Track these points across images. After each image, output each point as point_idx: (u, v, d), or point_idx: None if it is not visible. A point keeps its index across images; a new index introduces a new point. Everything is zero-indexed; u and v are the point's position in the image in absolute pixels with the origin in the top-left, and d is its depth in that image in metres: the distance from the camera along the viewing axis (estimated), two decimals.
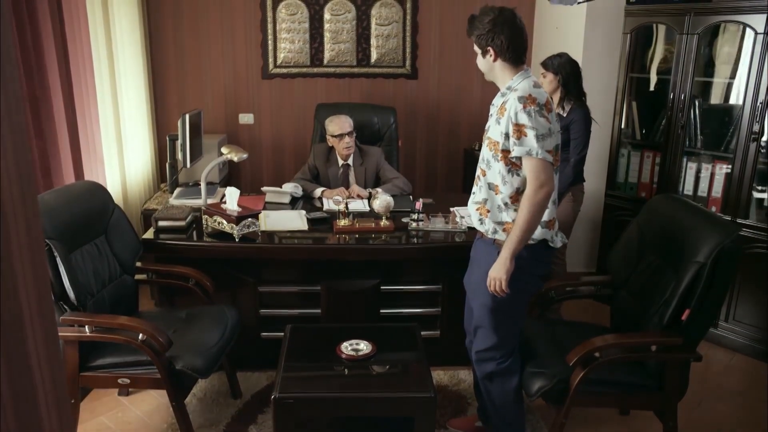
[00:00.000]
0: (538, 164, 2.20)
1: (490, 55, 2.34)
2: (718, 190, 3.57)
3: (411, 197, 3.73)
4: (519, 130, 2.21)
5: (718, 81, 3.67)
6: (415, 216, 3.21)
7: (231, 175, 4.90)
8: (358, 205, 3.45)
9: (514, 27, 2.29)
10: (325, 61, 4.85)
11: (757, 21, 3.26)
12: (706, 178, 3.62)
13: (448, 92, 5.03)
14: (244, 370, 3.20)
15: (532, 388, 2.40)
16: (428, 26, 4.88)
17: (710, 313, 2.31)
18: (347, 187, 3.83)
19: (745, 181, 3.40)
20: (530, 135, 2.19)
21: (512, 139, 2.23)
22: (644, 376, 2.45)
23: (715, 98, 3.77)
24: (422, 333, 3.16)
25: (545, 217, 2.28)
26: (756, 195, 3.44)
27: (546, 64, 3.53)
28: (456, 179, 5.18)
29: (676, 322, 2.30)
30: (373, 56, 4.89)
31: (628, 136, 4.01)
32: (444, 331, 3.28)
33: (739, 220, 3.42)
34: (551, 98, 3.41)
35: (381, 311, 3.21)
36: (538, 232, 2.30)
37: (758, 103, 3.30)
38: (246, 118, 4.94)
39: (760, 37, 3.26)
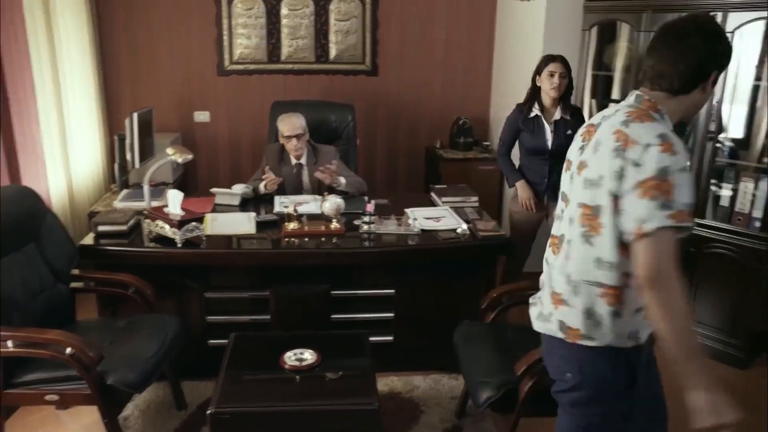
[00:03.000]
0: None
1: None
2: None
3: (366, 198, 3.63)
4: None
5: None
6: (366, 218, 3.11)
7: (186, 175, 4.75)
8: (308, 208, 3.34)
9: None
10: (283, 58, 4.73)
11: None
12: None
13: (410, 89, 4.94)
14: (190, 379, 3.08)
15: (479, 398, 2.32)
16: (389, 22, 4.78)
17: None
18: (301, 188, 3.72)
19: (702, 181, 3.36)
20: None
21: None
22: None
23: None
24: (375, 338, 3.10)
25: None
26: (713, 190, 3.40)
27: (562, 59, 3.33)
28: (417, 178, 5.09)
29: None
30: (333, 52, 4.78)
31: None
32: (398, 336, 3.20)
33: (697, 220, 3.38)
34: (563, 101, 3.33)
35: (332, 317, 3.11)
36: None
37: (714, 102, 3.25)
38: (201, 116, 4.80)
39: None
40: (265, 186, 3.55)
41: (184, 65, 4.67)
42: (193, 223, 2.93)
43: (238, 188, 3.56)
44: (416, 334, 3.18)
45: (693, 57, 1.57)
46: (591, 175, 1.61)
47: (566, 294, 1.68)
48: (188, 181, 4.76)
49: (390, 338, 3.20)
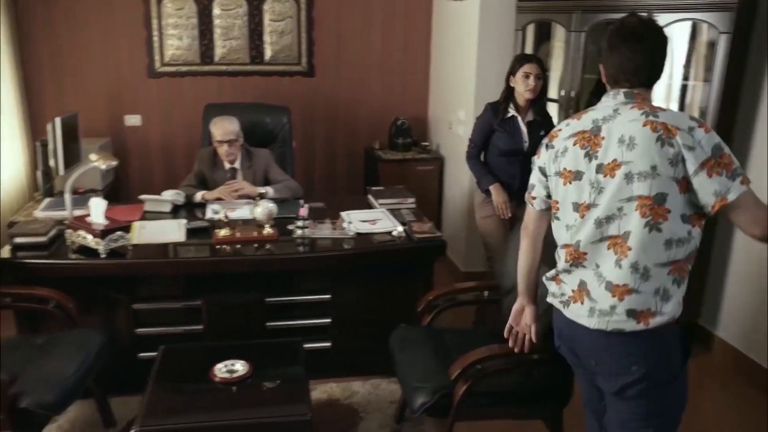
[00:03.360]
0: None
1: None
2: None
3: (301, 202, 3.56)
4: None
5: None
6: (300, 223, 3.05)
7: (118, 181, 4.59)
8: (240, 213, 3.25)
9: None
10: (217, 59, 4.62)
11: None
12: None
13: (347, 90, 4.89)
14: (120, 395, 2.94)
15: (414, 403, 2.29)
16: (324, 22, 4.72)
17: None
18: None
19: None
20: None
21: None
22: (530, 385, 2.38)
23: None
24: (312, 345, 3.07)
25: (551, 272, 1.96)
26: None
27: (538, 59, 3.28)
28: (357, 180, 5.05)
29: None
30: (268, 53, 4.69)
31: None
32: (335, 342, 3.14)
33: None
34: (537, 103, 3.29)
35: (268, 325, 3.04)
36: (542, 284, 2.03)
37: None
38: (133, 120, 4.64)
39: None
40: (203, 197, 3.47)
41: (113, 67, 4.50)
42: (118, 233, 2.81)
43: (169, 194, 3.44)
44: (354, 338, 3.13)
45: (661, 52, 1.75)
46: (638, 168, 1.65)
47: (634, 282, 1.71)
48: (120, 187, 4.60)
49: (328, 344, 3.14)
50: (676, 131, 1.62)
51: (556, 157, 1.84)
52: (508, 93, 3.29)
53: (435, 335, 2.67)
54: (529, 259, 2.09)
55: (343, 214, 3.30)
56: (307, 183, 4.99)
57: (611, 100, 1.76)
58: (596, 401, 2.00)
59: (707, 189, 1.62)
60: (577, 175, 1.77)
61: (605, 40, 1.78)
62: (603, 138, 1.71)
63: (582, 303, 1.80)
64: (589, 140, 1.74)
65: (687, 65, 3.31)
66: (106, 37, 4.43)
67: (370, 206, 3.55)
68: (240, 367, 2.43)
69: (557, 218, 1.90)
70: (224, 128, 3.50)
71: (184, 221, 3.20)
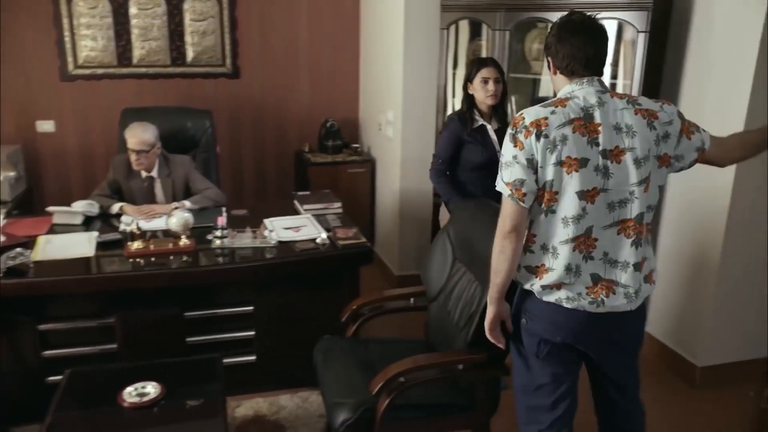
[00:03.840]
0: (502, 196, 1.89)
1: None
2: None
3: (224, 209, 3.41)
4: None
5: (532, 78, 3.66)
6: (218, 232, 2.91)
7: (31, 192, 4.33)
8: (155, 224, 3.09)
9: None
10: (135, 61, 4.41)
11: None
12: None
13: (274, 92, 4.76)
14: (27, 423, 2.75)
15: (336, 421, 2.19)
16: (248, 22, 4.57)
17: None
18: (154, 202, 3.45)
19: None
20: (500, 162, 1.90)
21: None
22: (456, 395, 2.31)
23: (530, 95, 3.77)
24: (236, 359, 2.95)
25: (530, 261, 1.91)
26: None
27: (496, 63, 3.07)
28: (288, 183, 4.92)
29: (482, 338, 2.17)
30: (190, 54, 4.51)
31: None
32: (261, 355, 3.02)
33: None
34: (499, 109, 3.06)
35: (188, 340, 2.89)
36: (524, 276, 1.94)
37: None
38: (45, 126, 4.39)
39: None
40: (121, 209, 3.29)
41: (21, 69, 4.23)
42: (17, 249, 2.62)
43: (80, 206, 3.24)
44: (280, 350, 3.01)
45: (605, 45, 1.88)
46: (641, 154, 1.80)
47: (646, 252, 1.90)
48: (34, 198, 4.35)
49: (252, 358, 3.01)
50: (655, 114, 1.83)
51: (554, 146, 1.77)
52: (469, 101, 3.04)
53: (360, 346, 2.58)
54: (516, 262, 1.91)
55: (266, 221, 3.18)
56: (235, 189, 4.84)
57: (588, 86, 1.83)
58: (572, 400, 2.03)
59: (690, 148, 1.89)
60: (583, 163, 1.77)
61: (553, 34, 1.88)
62: (599, 125, 1.78)
63: (614, 294, 1.86)
64: (586, 127, 1.78)
65: (615, 64, 3.31)
66: (13, 37, 4.16)
67: (296, 212, 3.43)
68: (151, 389, 2.29)
69: (552, 211, 1.83)
70: (137, 137, 3.31)
71: (95, 234, 3.02)
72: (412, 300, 2.73)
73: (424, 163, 4.05)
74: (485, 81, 2.96)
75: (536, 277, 1.89)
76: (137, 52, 4.39)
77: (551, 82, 2.00)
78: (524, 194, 1.81)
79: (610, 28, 3.20)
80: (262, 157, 4.88)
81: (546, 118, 1.79)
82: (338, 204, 3.43)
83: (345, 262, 2.98)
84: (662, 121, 1.84)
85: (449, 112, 3.91)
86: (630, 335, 2.00)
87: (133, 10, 4.29)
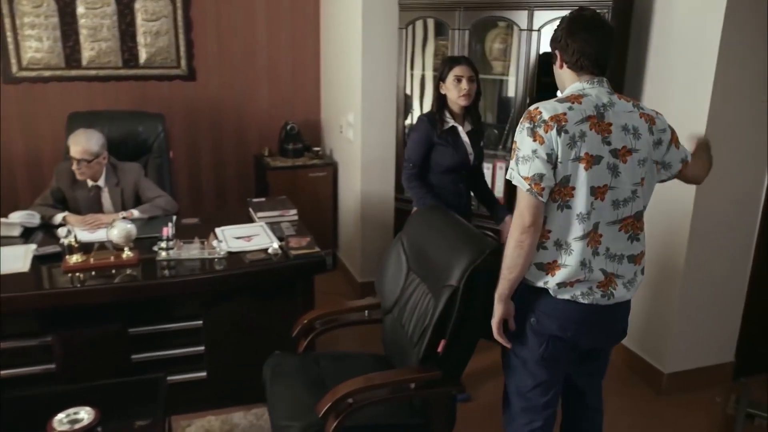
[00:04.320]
0: (518, 190, 1.85)
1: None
2: (500, 191, 3.47)
3: (174, 218, 3.27)
4: (512, 148, 1.89)
5: (494, 78, 3.56)
6: (163, 244, 2.77)
7: None
8: (95, 235, 2.93)
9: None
10: (84, 63, 4.22)
11: (520, 17, 3.16)
12: (488, 178, 3.50)
13: (232, 94, 4.60)
14: None
15: None
16: (203, 22, 4.41)
17: (469, 341, 2.10)
18: (100, 212, 3.28)
19: None
20: (515, 155, 1.85)
21: None
22: (410, 414, 2.19)
23: (492, 96, 3.68)
24: (186, 376, 2.82)
25: (541, 258, 1.89)
26: None
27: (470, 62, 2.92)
28: (248, 189, 4.76)
29: (434, 354, 2.07)
30: (142, 56, 4.33)
31: None
32: (212, 371, 2.88)
33: None
34: (472, 110, 2.92)
35: (133, 358, 2.74)
36: (534, 274, 1.92)
37: (527, 101, 3.21)
38: None
39: (524, 34, 3.16)
40: (64, 219, 3.12)
41: None
42: None
43: (18, 216, 3.06)
44: (232, 366, 2.88)
45: (613, 43, 1.90)
46: (643, 155, 1.86)
47: (643, 245, 1.96)
48: None
49: (203, 374, 2.87)
50: (654, 120, 1.90)
51: (573, 142, 1.78)
52: (441, 101, 2.89)
53: (311, 363, 2.46)
54: (532, 257, 1.88)
55: (218, 230, 3.05)
56: (194, 196, 4.69)
57: (599, 86, 1.87)
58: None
59: (676, 158, 1.96)
60: (597, 160, 1.80)
61: (562, 28, 1.88)
62: (610, 125, 1.81)
63: (618, 286, 1.91)
64: (599, 126, 1.81)
65: None
66: None
67: (252, 220, 3.29)
68: (84, 415, 2.14)
69: (568, 207, 1.83)
70: (80, 145, 3.14)
71: (33, 247, 2.85)
72: (366, 313, 2.61)
73: (386, 166, 3.96)
74: (458, 79, 2.81)
75: (548, 275, 1.88)
76: (86, 54, 4.20)
77: (555, 75, 1.99)
78: (543, 189, 1.80)
79: None
80: (221, 162, 4.72)
81: (565, 114, 1.79)
82: (294, 211, 3.30)
83: (297, 273, 2.85)
84: (658, 127, 1.91)
85: (410, 113, 3.80)
86: (626, 325, 2.07)
87: (80, 9, 4.10)
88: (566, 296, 1.89)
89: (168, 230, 2.79)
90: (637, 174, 1.86)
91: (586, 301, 1.89)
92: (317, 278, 3.01)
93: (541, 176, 1.79)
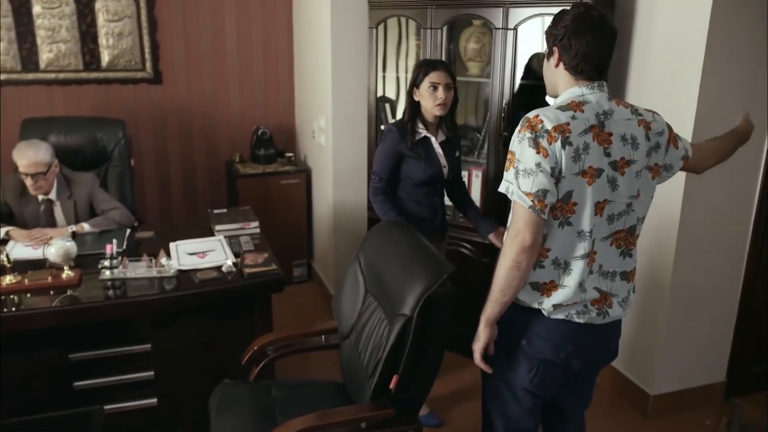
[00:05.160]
0: (514, 207, 1.68)
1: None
2: (476, 198, 3.26)
3: (129, 231, 3.07)
4: (508, 158, 1.70)
5: (468, 80, 3.35)
6: (107, 262, 2.56)
7: None
8: (31, 253, 2.72)
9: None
10: (43, 66, 4.02)
11: (494, 15, 2.96)
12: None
13: (202, 98, 4.39)
14: None
15: None
16: (169, 22, 4.20)
17: (427, 375, 1.90)
18: (52, 226, 3.08)
19: None
20: (514, 168, 1.67)
21: None
22: None
23: (470, 99, 3.47)
24: (134, 403, 2.62)
25: (538, 277, 1.74)
26: None
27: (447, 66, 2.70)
28: (220, 197, 4.56)
29: (387, 389, 1.87)
30: (105, 58, 4.13)
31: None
32: (162, 397, 2.67)
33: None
34: (448, 119, 2.70)
35: (75, 385, 2.53)
36: (528, 295, 1.77)
37: (503, 105, 3.01)
38: None
39: (500, 33, 2.96)
40: (8, 233, 2.91)
41: None
42: None
43: None
44: (184, 392, 2.67)
45: (613, 48, 1.75)
46: (638, 167, 1.73)
47: (635, 262, 1.85)
48: None
49: (153, 401, 2.66)
50: (650, 125, 1.76)
51: (578, 154, 1.64)
52: (414, 109, 2.66)
53: (262, 392, 2.26)
54: (526, 280, 1.73)
55: (172, 245, 2.85)
56: (163, 205, 4.48)
57: (599, 92, 1.72)
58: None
59: (677, 157, 1.85)
60: (599, 173, 1.67)
61: (565, 25, 1.70)
62: (611, 134, 1.68)
63: (614, 304, 1.80)
64: (601, 135, 1.67)
65: None
66: None
67: (213, 233, 3.09)
68: None
69: (569, 224, 1.69)
70: (28, 158, 2.92)
71: None
72: (323, 338, 2.40)
73: (359, 173, 3.76)
74: (434, 87, 2.58)
75: (544, 295, 1.75)
76: (44, 56, 3.99)
77: (545, 73, 1.84)
78: (546, 205, 1.65)
79: (543, 25, 2.95)
80: (192, 170, 4.51)
81: (568, 124, 1.64)
82: (255, 223, 3.09)
83: (252, 293, 2.64)
84: (655, 131, 1.78)
85: (382, 117, 3.59)
86: (618, 343, 1.96)
87: (36, 9, 3.89)
88: (561, 316, 1.76)
89: (112, 248, 2.58)
90: (633, 186, 1.74)
91: (581, 320, 1.76)
92: (291, 291, 2.81)
93: (545, 192, 1.62)
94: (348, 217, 3.85)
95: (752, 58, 2.63)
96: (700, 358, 2.99)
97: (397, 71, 3.61)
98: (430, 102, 2.60)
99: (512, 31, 2.93)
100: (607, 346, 1.92)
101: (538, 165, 1.62)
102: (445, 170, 2.74)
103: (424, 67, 2.63)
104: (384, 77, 3.53)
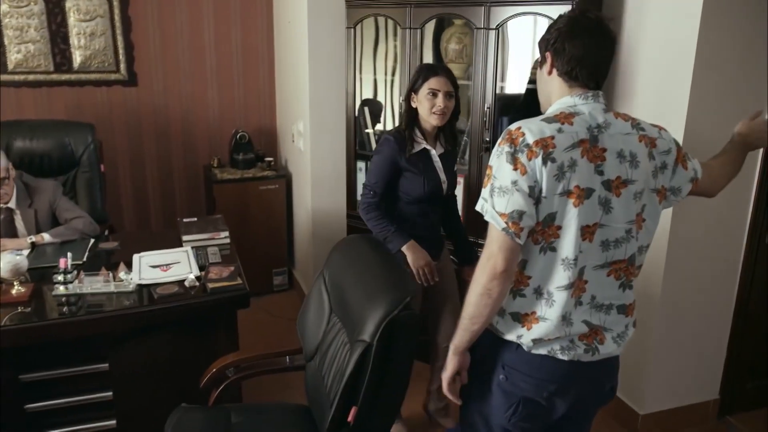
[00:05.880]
0: (489, 228, 1.51)
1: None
2: (458, 206, 3.11)
3: (93, 241, 2.92)
4: (486, 173, 1.54)
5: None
6: (61, 277, 2.41)
7: None
8: None
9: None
10: (11, 67, 3.87)
11: (475, 14, 2.81)
12: None
13: (179, 100, 4.25)
14: None
15: None
16: (144, 22, 4.05)
17: (390, 403, 1.75)
18: (13, 236, 2.93)
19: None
20: (490, 184, 1.51)
21: None
22: None
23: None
24: (93, 425, 2.46)
25: (519, 307, 1.57)
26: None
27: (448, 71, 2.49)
28: (198, 202, 4.41)
29: (346, 421, 1.72)
30: (77, 59, 3.98)
31: (364, 147, 3.44)
32: (122, 420, 2.52)
33: (480, 240, 2.98)
34: (447, 129, 2.52)
35: (27, 408, 2.38)
36: (507, 325, 1.60)
37: (486, 108, 2.86)
38: None
39: (482, 33, 2.81)
40: None
41: None
42: None
43: None
44: (145, 413, 2.51)
45: (613, 55, 1.60)
46: (640, 187, 1.55)
47: (635, 294, 1.66)
48: None
49: (112, 422, 2.51)
50: (654, 141, 1.58)
51: (562, 172, 1.46)
52: (411, 118, 2.48)
53: (221, 418, 2.11)
54: (499, 307, 1.57)
55: (136, 257, 2.70)
56: (140, 212, 4.34)
57: (594, 102, 1.55)
58: None
59: (686, 179, 1.66)
60: (588, 193, 1.49)
61: (559, 28, 1.55)
62: (604, 150, 1.50)
63: (607, 340, 1.60)
64: (592, 151, 1.49)
65: (535, 67, 2.87)
66: None
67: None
68: None
69: (552, 249, 1.51)
70: None
71: None
72: (288, 359, 2.25)
73: (338, 179, 3.61)
74: (433, 94, 2.39)
75: (524, 327, 1.57)
76: (13, 57, 3.84)
77: (538, 82, 1.67)
78: (521, 229, 1.47)
79: (526, 24, 2.81)
80: (169, 175, 4.36)
81: (553, 138, 1.46)
82: (225, 233, 2.95)
83: (215, 309, 2.49)
84: (660, 149, 1.60)
85: (362, 121, 3.44)
86: (615, 383, 1.75)
87: (4, 7, 3.74)
88: (543, 351, 1.57)
89: (67, 261, 2.43)
90: (631, 210, 1.54)
91: (566, 357, 1.57)
92: (271, 299, 2.66)
93: (520, 214, 1.45)
94: (327, 225, 3.70)
95: (746, 58, 2.48)
96: (693, 375, 2.85)
97: (375, 73, 3.46)
98: (427, 109, 2.41)
99: (494, 31, 2.78)
100: (598, 386, 1.70)
101: (515, 183, 1.45)
102: (444, 186, 2.55)
103: (423, 72, 2.44)
104: (362, 79, 3.38)
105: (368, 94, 3.45)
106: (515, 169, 1.45)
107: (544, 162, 1.44)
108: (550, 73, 1.58)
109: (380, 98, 3.47)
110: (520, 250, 1.51)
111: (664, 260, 2.59)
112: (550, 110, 1.57)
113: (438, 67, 2.48)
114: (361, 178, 3.40)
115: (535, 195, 1.46)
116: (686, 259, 2.62)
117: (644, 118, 2.48)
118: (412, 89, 2.46)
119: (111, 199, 4.17)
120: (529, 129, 1.47)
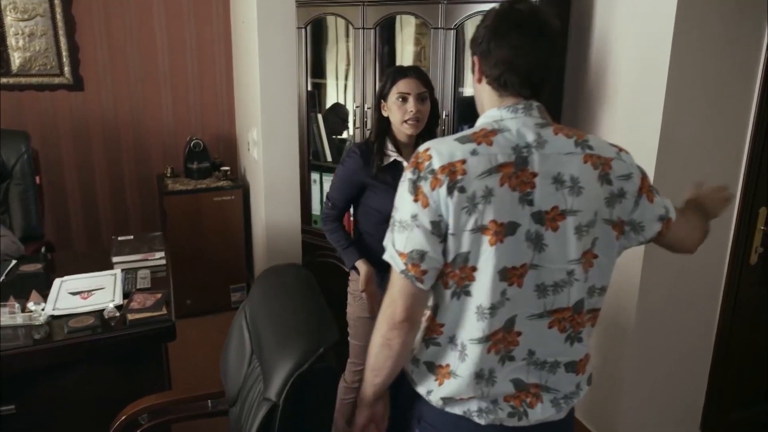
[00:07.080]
0: (392, 270, 1.29)
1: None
2: None
3: (13, 263, 2.65)
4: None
5: None
6: None
7: None
8: None
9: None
10: None
11: (431, 12, 2.57)
12: None
13: (129, 105, 3.99)
14: None
15: None
16: (89, 22, 3.79)
17: None
18: None
19: None
20: (392, 217, 1.29)
21: None
22: None
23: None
24: None
25: (433, 357, 1.34)
26: None
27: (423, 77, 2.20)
28: (153, 214, 4.15)
29: None
30: (15, 61, 3.71)
31: (318, 157, 3.19)
32: None
33: None
34: (428, 136, 2.12)
35: None
36: (420, 374, 1.36)
37: (443, 116, 2.61)
38: None
39: (439, 33, 2.56)
40: None
41: None
42: None
43: None
44: None
45: (556, 54, 1.33)
46: (585, 219, 1.27)
47: (589, 347, 1.39)
48: None
49: None
50: (609, 163, 1.29)
51: (473, 204, 1.20)
52: (382, 128, 2.21)
53: None
54: (404, 359, 1.35)
55: (57, 282, 2.44)
56: (90, 227, 4.08)
57: (524, 115, 1.27)
58: None
59: (652, 216, 1.36)
60: (511, 229, 1.22)
61: (486, 25, 1.29)
62: (535, 175, 1.23)
63: (541, 402, 1.33)
64: (518, 177, 1.22)
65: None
66: None
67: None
68: None
69: (466, 293, 1.26)
70: None
71: None
72: (210, 403, 2.00)
73: (291, 190, 3.36)
74: (403, 98, 2.11)
75: (436, 380, 1.34)
76: None
77: (474, 92, 1.39)
78: (424, 272, 1.24)
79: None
80: (120, 186, 4.10)
81: (463, 162, 1.21)
82: (161, 254, 2.68)
83: (135, 344, 2.23)
84: (618, 173, 1.30)
85: (309, 133, 3.17)
86: None
87: None
88: (458, 411, 1.33)
89: None
90: (571, 247, 1.27)
91: (482, 422, 1.32)
92: (228, 318, 2.38)
93: (421, 254, 1.22)
94: (282, 240, 3.45)
95: (723, 48, 2.24)
96: (671, 407, 2.61)
97: (325, 77, 3.21)
98: (398, 116, 2.13)
99: (452, 31, 2.53)
100: None
101: (414, 217, 1.21)
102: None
103: (391, 76, 2.17)
104: (315, 84, 3.13)
105: (329, 100, 3.20)
106: (416, 200, 1.22)
107: (450, 192, 1.20)
108: (479, 80, 1.32)
109: (330, 101, 3.22)
110: (425, 297, 1.28)
111: (638, 285, 2.35)
112: (477, 125, 1.31)
113: (407, 68, 2.20)
114: (316, 190, 3.16)
115: (440, 232, 1.22)
116: (662, 283, 2.38)
117: (620, 119, 2.27)
118: (381, 96, 2.19)
119: (57, 213, 3.92)
120: (438, 151, 1.22)
